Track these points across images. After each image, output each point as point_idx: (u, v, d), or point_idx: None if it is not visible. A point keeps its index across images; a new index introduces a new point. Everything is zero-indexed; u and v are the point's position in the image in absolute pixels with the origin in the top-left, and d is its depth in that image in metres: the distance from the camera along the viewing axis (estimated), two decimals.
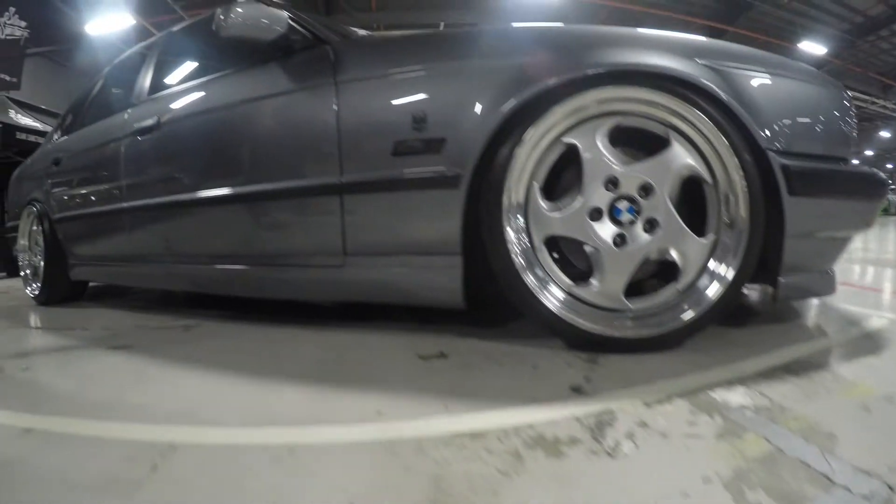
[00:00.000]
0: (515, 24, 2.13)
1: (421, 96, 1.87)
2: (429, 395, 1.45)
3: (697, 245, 1.71)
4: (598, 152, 1.69)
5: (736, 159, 1.65)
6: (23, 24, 9.67)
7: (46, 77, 13.40)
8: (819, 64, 20.32)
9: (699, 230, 1.72)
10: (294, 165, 2.20)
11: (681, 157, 1.68)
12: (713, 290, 1.70)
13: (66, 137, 3.95)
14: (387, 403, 1.40)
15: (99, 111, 3.84)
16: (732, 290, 1.70)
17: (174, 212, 2.71)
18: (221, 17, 2.12)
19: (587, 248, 1.73)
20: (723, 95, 1.64)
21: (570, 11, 15.72)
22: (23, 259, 4.21)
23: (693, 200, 1.75)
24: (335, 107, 2.02)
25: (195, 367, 1.87)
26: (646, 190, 1.69)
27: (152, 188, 2.83)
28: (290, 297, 2.43)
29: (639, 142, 1.78)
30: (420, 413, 1.33)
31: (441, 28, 15.95)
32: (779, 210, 1.68)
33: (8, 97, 9.85)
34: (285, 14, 2.21)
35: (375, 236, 2.01)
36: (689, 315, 1.70)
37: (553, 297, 1.74)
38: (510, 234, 1.74)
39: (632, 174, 1.69)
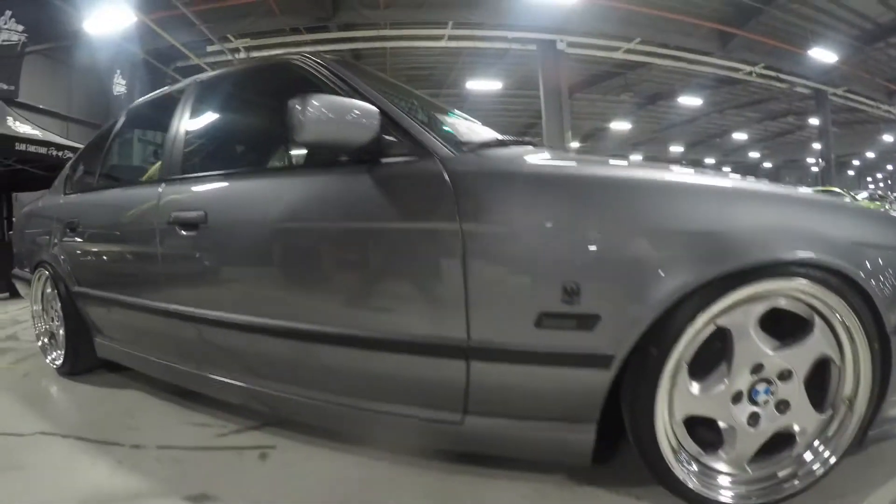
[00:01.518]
0: (688, 179, 1.78)
1: (575, 263, 1.59)
2: None
3: (817, 421, 1.70)
4: (750, 338, 1.61)
5: (867, 344, 1.63)
6: (20, 28, 9.25)
7: (46, 75, 13.04)
8: (828, 70, 20.23)
9: (816, 403, 1.71)
10: (405, 313, 1.85)
11: (821, 343, 1.65)
12: (824, 461, 1.70)
13: (80, 196, 3.50)
14: None
15: (118, 168, 3.50)
16: (842, 458, 1.71)
17: (236, 331, 2.27)
18: (298, 113, 1.73)
19: (721, 424, 1.66)
20: (874, 288, 1.59)
21: (582, 12, 15.32)
22: (38, 325, 3.79)
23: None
24: (461, 259, 1.67)
25: None
26: (784, 373, 1.64)
27: (205, 298, 2.42)
28: (395, 440, 2.08)
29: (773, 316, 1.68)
30: None
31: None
32: (885, 379, 1.67)
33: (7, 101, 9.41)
34: (375, 110, 1.84)
35: (503, 402, 1.75)
36: (798, 484, 1.68)
37: (683, 465, 1.67)
38: (658, 412, 1.62)
39: (777, 361, 1.63)
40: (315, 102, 1.73)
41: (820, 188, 23.57)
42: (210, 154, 2.85)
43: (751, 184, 1.84)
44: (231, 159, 2.71)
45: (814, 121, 27.49)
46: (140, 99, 3.58)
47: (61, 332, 3.37)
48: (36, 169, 9.13)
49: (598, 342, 1.56)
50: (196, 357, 2.53)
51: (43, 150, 8.59)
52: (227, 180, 2.45)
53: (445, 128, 2.10)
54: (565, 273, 1.57)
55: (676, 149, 42.94)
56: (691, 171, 1.88)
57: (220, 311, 2.29)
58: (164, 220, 2.48)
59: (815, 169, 43.17)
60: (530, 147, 2.20)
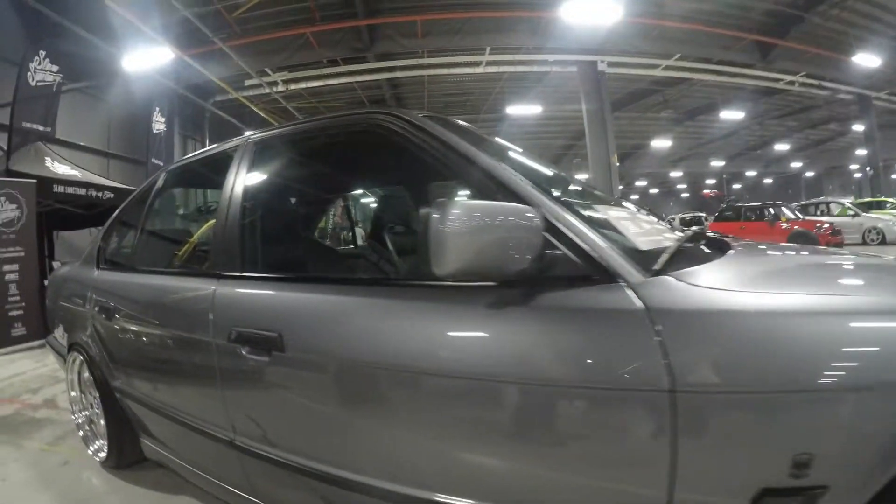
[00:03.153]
0: None
1: (812, 430, 1.18)
2: None
3: None
4: None
5: None
6: (54, 68, 9.13)
7: (85, 112, 13.09)
8: (871, 74, 19.63)
9: None
10: (580, 488, 1.34)
11: None
12: None
13: (115, 275, 3.01)
14: None
15: (157, 244, 3.08)
16: None
17: (332, 486, 1.72)
18: (436, 230, 1.27)
19: None
20: None
21: (622, 31, 14.97)
22: (77, 412, 3.42)
23: None
24: (670, 428, 1.21)
25: None
26: None
27: (286, 442, 1.87)
28: None
29: None
30: None
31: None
32: None
33: (45, 143, 9.32)
34: (535, 214, 1.33)
35: None
36: None
37: None
38: None
39: None
40: (456, 212, 1.27)
41: (868, 199, 22.72)
42: (277, 242, 2.35)
43: None
44: (308, 253, 2.28)
45: (857, 127, 26.82)
46: (181, 160, 3.11)
47: (102, 422, 2.99)
48: (75, 208, 9.03)
49: None
50: (271, 497, 2.04)
51: (82, 191, 8.52)
52: (311, 290, 1.89)
53: (612, 225, 1.55)
54: (799, 442, 1.18)
55: (717, 163, 42.19)
56: None
57: (308, 460, 1.78)
58: (222, 334, 1.97)
59: (857, 175, 42.17)
60: (729, 249, 1.74)
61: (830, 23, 16.91)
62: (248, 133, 2.48)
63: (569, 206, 1.47)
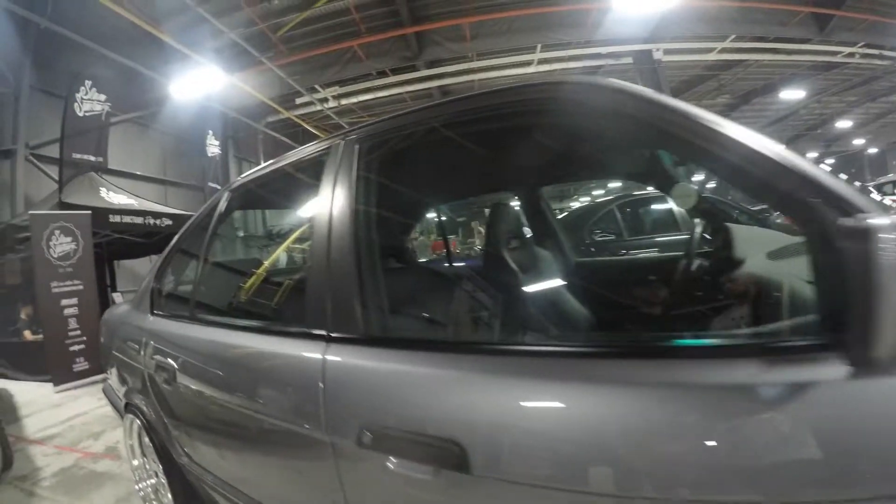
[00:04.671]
0: None
1: None
2: None
3: None
4: None
5: None
6: (102, 97, 9.00)
7: (138, 141, 13.14)
8: None
9: None
10: None
11: None
12: None
13: (174, 325, 2.37)
14: None
15: (225, 285, 2.52)
16: None
17: None
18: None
19: None
20: None
21: (677, 17, 14.31)
22: (141, 482, 2.89)
23: None
24: None
25: None
26: None
27: None
28: None
29: None
30: None
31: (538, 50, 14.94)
32: None
33: (99, 173, 9.20)
34: None
35: None
36: None
37: None
38: None
39: None
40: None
41: None
42: (428, 285, 1.84)
43: None
44: (488, 302, 1.69)
45: None
46: (244, 176, 2.39)
47: (169, 496, 2.48)
48: (133, 237, 8.89)
49: None
50: None
51: (139, 220, 8.38)
52: (506, 368, 1.18)
53: None
54: None
55: None
56: None
57: None
58: (345, 431, 1.33)
59: None
60: None
61: None
62: (341, 132, 1.81)
63: None
